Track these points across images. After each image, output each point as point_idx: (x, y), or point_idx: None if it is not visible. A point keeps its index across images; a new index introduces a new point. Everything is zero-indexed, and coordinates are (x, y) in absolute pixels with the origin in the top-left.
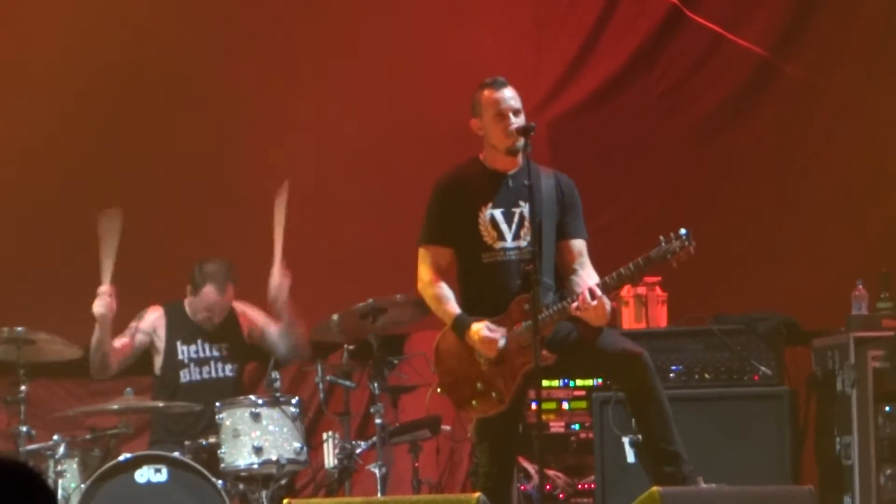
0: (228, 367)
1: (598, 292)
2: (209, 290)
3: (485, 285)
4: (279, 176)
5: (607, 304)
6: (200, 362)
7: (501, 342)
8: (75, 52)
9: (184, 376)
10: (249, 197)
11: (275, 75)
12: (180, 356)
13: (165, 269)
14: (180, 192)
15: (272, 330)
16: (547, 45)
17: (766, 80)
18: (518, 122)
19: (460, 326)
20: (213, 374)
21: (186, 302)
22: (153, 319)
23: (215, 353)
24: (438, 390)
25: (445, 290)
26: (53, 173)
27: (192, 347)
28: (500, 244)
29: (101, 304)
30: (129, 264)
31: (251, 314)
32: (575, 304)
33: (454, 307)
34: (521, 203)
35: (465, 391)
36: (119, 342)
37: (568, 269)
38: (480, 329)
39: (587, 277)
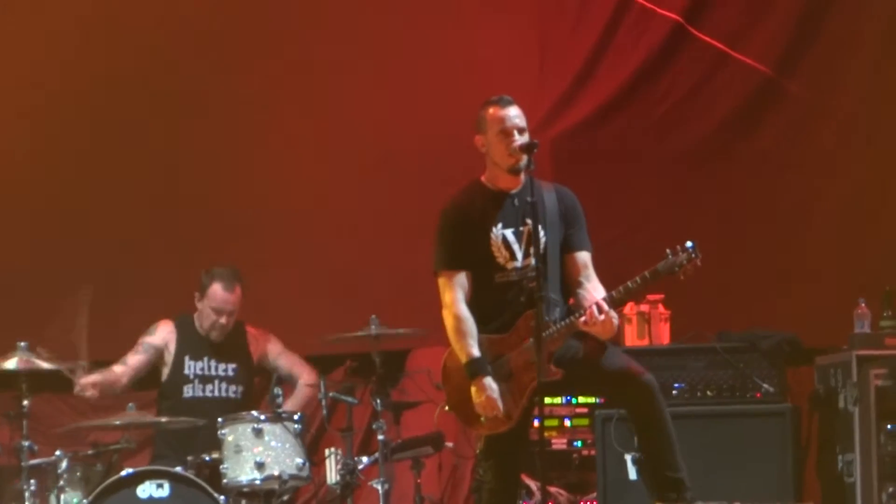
0: (233, 388)
1: (606, 307)
2: (216, 288)
3: (497, 304)
4: (282, 191)
5: (615, 318)
6: (205, 380)
7: (496, 412)
8: (81, 61)
9: (187, 391)
10: (252, 210)
11: (275, 90)
12: (186, 370)
13: (171, 282)
14: (184, 207)
15: (285, 363)
16: (550, 62)
17: (769, 99)
18: (522, 140)
19: (473, 371)
20: (217, 394)
21: (196, 315)
22: (165, 334)
23: (221, 373)
24: (446, 408)
25: (469, 326)
26: (57, 186)
27: (199, 364)
28: (512, 264)
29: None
30: (135, 277)
31: (264, 342)
32: (583, 319)
33: (473, 349)
34: (528, 221)
35: (473, 409)
36: (132, 359)
37: (573, 282)
38: (489, 390)
39: (593, 290)
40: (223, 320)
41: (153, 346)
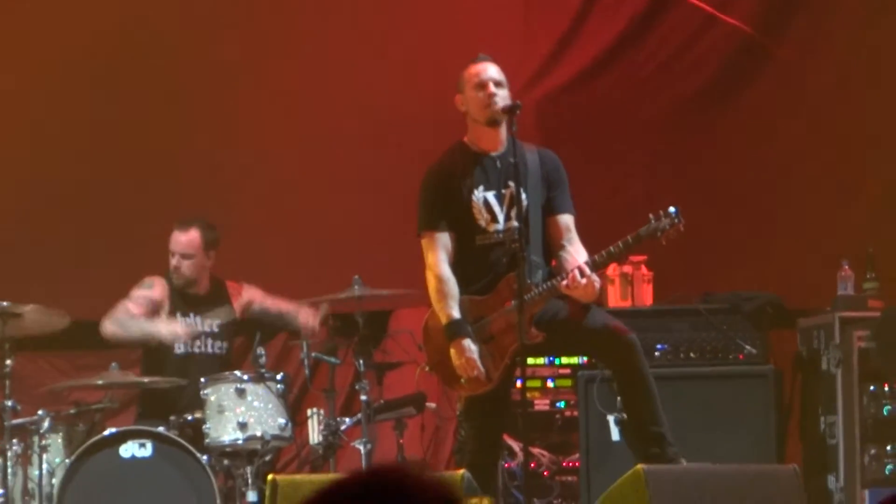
0: (218, 344)
1: (588, 270)
2: (174, 233)
3: (478, 266)
4: (266, 152)
5: (596, 281)
6: (193, 336)
7: (475, 373)
8: (67, 19)
9: (178, 348)
10: (236, 171)
11: (260, 53)
12: None
13: (154, 242)
14: (170, 168)
15: (272, 305)
16: (535, 23)
17: (754, 61)
18: (501, 95)
19: (452, 332)
20: (204, 350)
21: None
22: (161, 289)
23: (206, 329)
24: (427, 368)
25: (450, 288)
26: (40, 146)
27: (188, 320)
28: (493, 226)
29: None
30: (118, 237)
31: (245, 291)
32: (564, 282)
33: (453, 310)
34: (510, 183)
35: (453, 369)
36: (135, 308)
37: (556, 245)
38: (468, 351)
39: (576, 253)
40: (175, 262)
41: (151, 300)
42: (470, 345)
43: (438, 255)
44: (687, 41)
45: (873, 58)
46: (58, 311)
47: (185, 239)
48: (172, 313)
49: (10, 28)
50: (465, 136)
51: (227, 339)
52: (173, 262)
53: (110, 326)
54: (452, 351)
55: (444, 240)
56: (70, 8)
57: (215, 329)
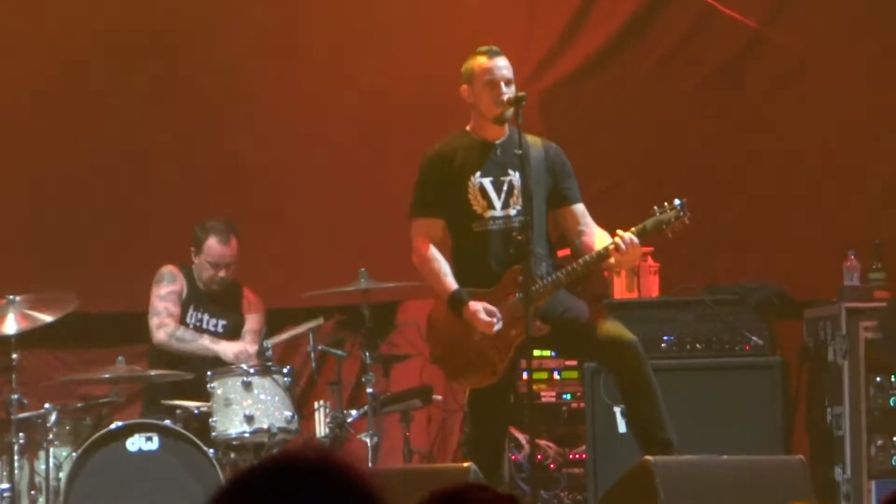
0: None
1: (627, 236)
2: (212, 243)
3: (476, 254)
4: (271, 143)
5: (636, 241)
6: (198, 332)
7: (498, 326)
8: (80, 24)
9: None
10: (241, 162)
11: (264, 42)
12: (187, 319)
13: (162, 233)
14: (174, 159)
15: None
16: (539, 14)
17: (758, 51)
18: (509, 92)
19: (456, 302)
20: None
21: (194, 268)
22: (181, 282)
23: (211, 328)
24: (430, 360)
25: (442, 265)
26: (44, 139)
27: (197, 314)
28: (489, 213)
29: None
30: (126, 229)
31: (253, 313)
32: (612, 246)
33: (451, 282)
34: (511, 172)
35: (457, 362)
36: (175, 310)
37: (574, 233)
38: (479, 310)
39: (598, 232)
40: (222, 273)
41: (179, 295)
42: (477, 305)
43: (423, 240)
44: (688, 34)
45: (877, 44)
46: (67, 294)
47: (229, 250)
48: (186, 306)
49: (26, 19)
50: (468, 125)
51: (230, 340)
52: (219, 273)
53: (170, 342)
54: (467, 320)
55: (431, 226)
56: (84, 3)
57: (220, 330)
